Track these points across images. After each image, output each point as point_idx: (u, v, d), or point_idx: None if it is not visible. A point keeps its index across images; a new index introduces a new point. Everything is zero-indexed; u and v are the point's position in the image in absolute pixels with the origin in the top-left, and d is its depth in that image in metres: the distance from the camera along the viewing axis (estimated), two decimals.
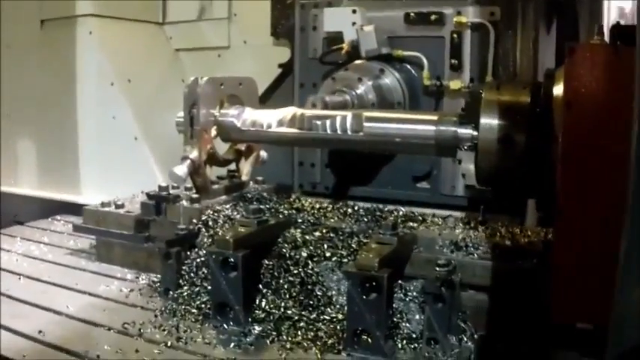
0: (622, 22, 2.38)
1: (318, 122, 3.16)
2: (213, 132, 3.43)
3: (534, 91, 2.74)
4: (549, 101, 2.53)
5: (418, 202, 3.76)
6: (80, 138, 4.99)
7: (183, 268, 3.06)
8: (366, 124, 3.08)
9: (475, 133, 2.80)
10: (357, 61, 3.80)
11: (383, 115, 3.18)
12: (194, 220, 3.25)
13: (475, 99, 2.83)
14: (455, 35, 3.64)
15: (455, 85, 3.63)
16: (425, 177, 3.85)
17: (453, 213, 3.51)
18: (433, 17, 3.68)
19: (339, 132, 3.12)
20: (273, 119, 3.30)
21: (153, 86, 5.21)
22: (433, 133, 2.94)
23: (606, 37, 2.33)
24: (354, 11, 3.81)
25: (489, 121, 2.71)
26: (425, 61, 3.71)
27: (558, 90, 2.45)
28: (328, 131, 3.14)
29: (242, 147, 3.73)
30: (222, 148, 3.64)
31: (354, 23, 3.80)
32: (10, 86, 5.25)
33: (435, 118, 2.98)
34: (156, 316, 2.86)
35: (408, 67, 3.83)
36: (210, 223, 3.22)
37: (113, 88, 4.99)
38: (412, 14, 3.75)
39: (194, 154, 3.32)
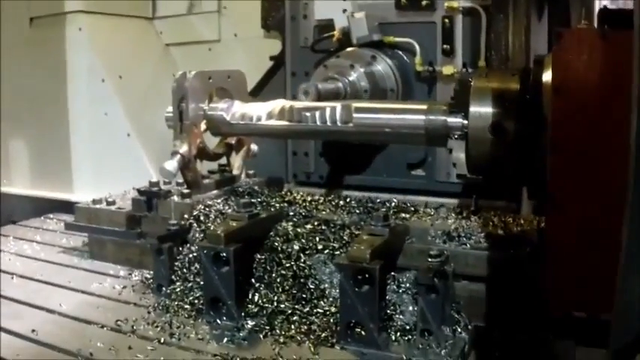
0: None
1: (308, 114, 3.14)
2: (203, 126, 3.41)
3: (524, 77, 2.72)
4: (539, 88, 2.52)
5: (413, 190, 3.76)
6: (72, 136, 4.97)
7: (176, 263, 3.04)
8: (355, 115, 3.06)
9: (465, 121, 2.79)
10: (349, 49, 3.79)
11: (372, 105, 3.17)
12: (185, 216, 3.23)
13: (464, 87, 2.80)
14: (446, 20, 3.63)
15: (447, 70, 3.62)
16: (419, 164, 3.85)
17: (447, 201, 3.52)
18: (424, 2, 3.67)
19: (328, 123, 3.10)
20: (262, 112, 3.28)
21: (144, 82, 5.19)
22: (423, 123, 2.92)
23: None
24: None
25: (479, 109, 2.70)
26: (417, 47, 3.70)
27: (547, 76, 2.43)
28: (318, 123, 3.12)
29: (232, 141, 3.71)
30: (212, 142, 3.62)
31: (344, 10, 3.79)
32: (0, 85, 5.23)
33: (424, 107, 2.96)
34: (149, 312, 2.85)
35: (400, 53, 3.81)
36: (202, 218, 3.19)
37: (104, 84, 4.97)
38: (403, 0, 3.73)
39: (184, 148, 3.30)
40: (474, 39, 3.59)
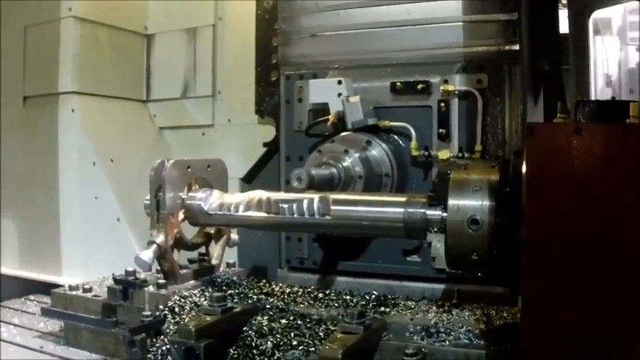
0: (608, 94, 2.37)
1: (285, 206, 3.11)
2: (181, 215, 3.38)
3: (503, 169, 2.69)
4: (519, 179, 2.49)
5: (409, 276, 3.69)
6: (62, 218, 4.92)
7: (149, 355, 2.96)
8: (333, 208, 3.03)
9: (444, 214, 2.75)
10: (344, 133, 3.76)
11: (351, 197, 3.15)
12: (160, 306, 3.16)
13: (443, 179, 2.77)
14: (442, 104, 3.61)
15: (443, 155, 3.57)
16: (415, 250, 3.77)
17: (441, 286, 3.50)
18: (420, 86, 3.66)
19: (306, 216, 3.07)
20: (240, 202, 3.25)
21: (136, 165, 5.16)
22: (402, 216, 2.89)
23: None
24: (339, 82, 3.79)
25: (457, 202, 2.67)
26: (412, 131, 3.67)
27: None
28: (295, 215, 3.09)
29: (212, 230, 3.66)
30: (191, 230, 3.57)
31: (339, 94, 3.78)
32: None
33: (403, 200, 2.93)
34: None
35: (396, 137, 3.79)
36: (177, 309, 3.12)
37: (95, 167, 4.95)
38: (398, 84, 3.73)
39: (160, 238, 3.25)
40: (470, 123, 3.57)
